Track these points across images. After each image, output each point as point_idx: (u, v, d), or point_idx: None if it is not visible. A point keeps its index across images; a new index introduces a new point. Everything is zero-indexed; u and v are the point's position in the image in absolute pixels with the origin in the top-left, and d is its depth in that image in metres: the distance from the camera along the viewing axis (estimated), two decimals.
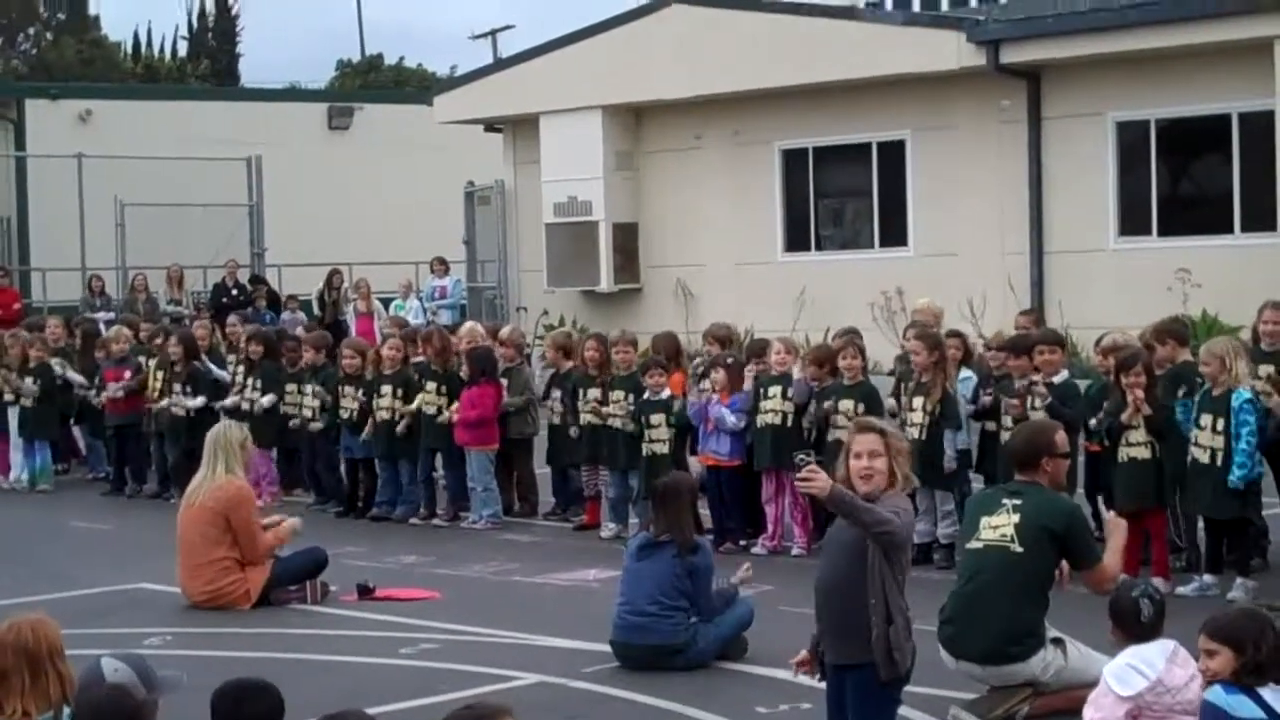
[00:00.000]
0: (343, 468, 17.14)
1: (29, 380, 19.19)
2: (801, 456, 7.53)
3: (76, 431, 20.44)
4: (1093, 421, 12.49)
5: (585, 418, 15.19)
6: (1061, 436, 9.18)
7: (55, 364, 19.43)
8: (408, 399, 16.26)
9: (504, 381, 16.09)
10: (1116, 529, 8.91)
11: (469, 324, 18.29)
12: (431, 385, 16.19)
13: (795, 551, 13.72)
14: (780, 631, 10.29)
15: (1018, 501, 8.76)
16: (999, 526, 8.74)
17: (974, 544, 8.86)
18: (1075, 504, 9.44)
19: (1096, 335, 13.53)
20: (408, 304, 27.93)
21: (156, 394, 18.20)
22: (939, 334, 14.04)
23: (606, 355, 15.37)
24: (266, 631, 11.60)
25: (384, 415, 16.32)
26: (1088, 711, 7.34)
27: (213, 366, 18.38)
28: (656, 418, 14.51)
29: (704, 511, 13.81)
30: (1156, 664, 7.27)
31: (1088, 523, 9.21)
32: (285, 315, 27.48)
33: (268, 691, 5.79)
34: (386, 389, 16.38)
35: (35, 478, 19.33)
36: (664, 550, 10.26)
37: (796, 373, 14.02)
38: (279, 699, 5.77)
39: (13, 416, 19.49)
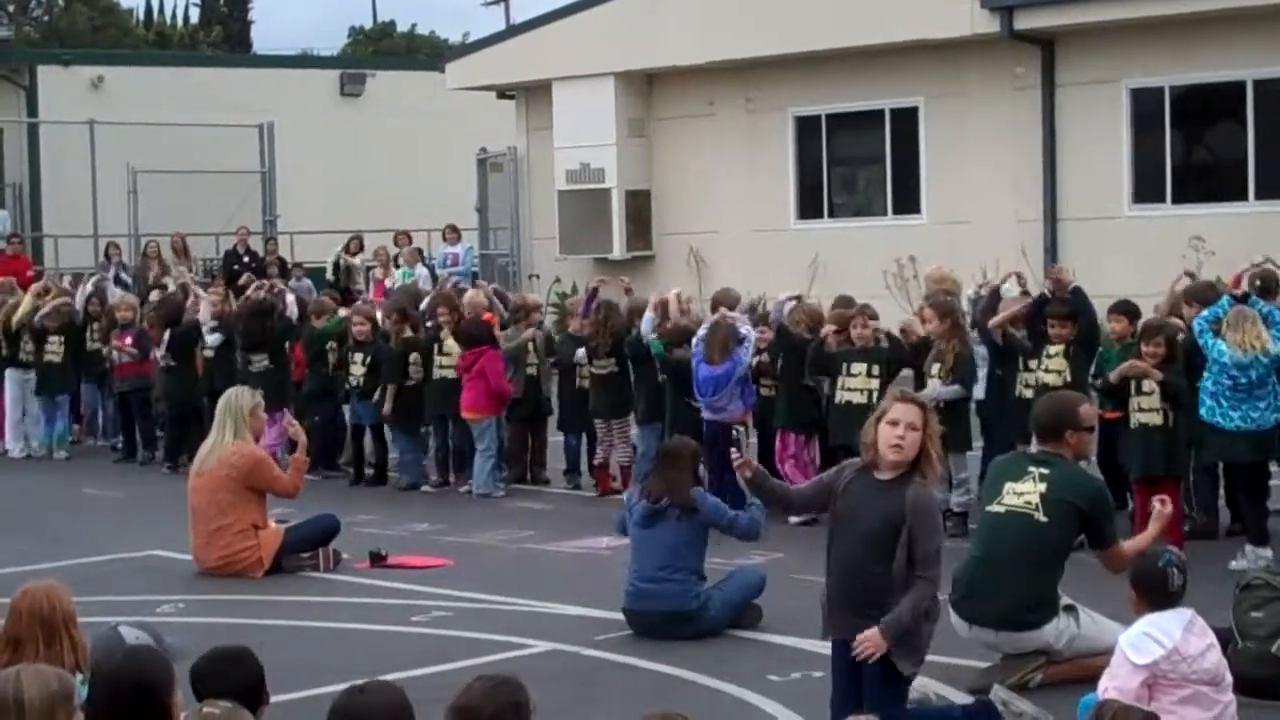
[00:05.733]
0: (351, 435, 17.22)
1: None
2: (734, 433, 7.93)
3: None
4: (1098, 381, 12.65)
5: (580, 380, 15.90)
6: (1086, 409, 9.13)
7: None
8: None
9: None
10: (1159, 520, 8.79)
11: (471, 292, 18.11)
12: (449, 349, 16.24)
13: (793, 520, 13.61)
14: (792, 600, 10.29)
15: (1045, 470, 8.74)
16: (1024, 493, 8.72)
17: (995, 507, 8.84)
18: (1102, 482, 9.43)
19: (1110, 303, 13.49)
20: (415, 271, 27.86)
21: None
22: (951, 301, 14.04)
23: (602, 319, 15.70)
24: (279, 599, 11.61)
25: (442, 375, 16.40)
26: (1104, 681, 7.33)
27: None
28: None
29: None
30: (1173, 633, 7.25)
31: (1111, 502, 9.19)
32: (292, 283, 27.36)
33: (245, 658, 5.77)
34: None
35: (54, 445, 19.42)
36: (668, 514, 10.25)
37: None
38: (257, 665, 5.75)
39: (10, 381, 19.61)
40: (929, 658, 8.19)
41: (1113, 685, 7.27)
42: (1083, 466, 9.12)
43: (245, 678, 5.67)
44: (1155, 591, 7.46)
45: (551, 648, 9.98)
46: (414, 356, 16.39)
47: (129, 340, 18.77)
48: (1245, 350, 11.56)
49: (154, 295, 19.89)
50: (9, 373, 19.72)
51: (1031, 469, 8.82)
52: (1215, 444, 11.94)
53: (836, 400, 13.63)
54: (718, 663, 9.51)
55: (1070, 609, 8.80)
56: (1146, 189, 23.42)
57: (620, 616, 10.36)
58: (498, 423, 16.01)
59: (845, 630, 7.85)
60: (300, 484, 12.94)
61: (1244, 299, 11.92)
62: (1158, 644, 7.22)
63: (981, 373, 13.61)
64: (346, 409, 17.21)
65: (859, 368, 13.56)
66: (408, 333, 16.57)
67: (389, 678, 7.55)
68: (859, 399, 13.22)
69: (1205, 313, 11.99)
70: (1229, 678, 7.42)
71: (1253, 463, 11.90)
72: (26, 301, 19.88)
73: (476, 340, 15.76)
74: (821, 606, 8.08)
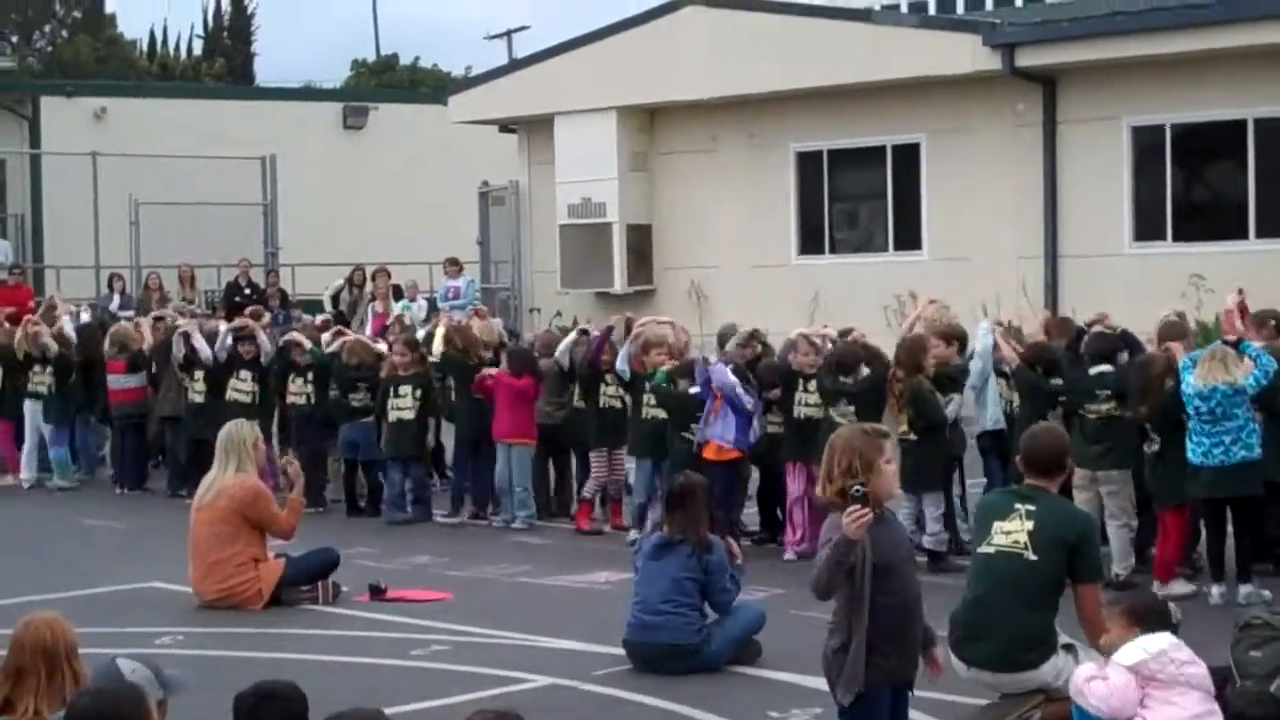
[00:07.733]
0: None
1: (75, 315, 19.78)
2: (857, 487, 7.07)
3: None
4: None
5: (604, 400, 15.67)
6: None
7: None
8: (426, 400, 16.38)
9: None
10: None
11: (482, 323, 18.17)
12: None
13: (788, 556, 13.78)
14: (793, 636, 10.29)
15: (1031, 507, 8.71)
16: (1011, 532, 8.69)
17: (985, 549, 8.83)
18: (1089, 515, 9.45)
19: None
20: (414, 305, 27.83)
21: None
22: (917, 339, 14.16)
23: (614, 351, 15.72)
24: (278, 632, 11.60)
25: (398, 415, 16.36)
26: (1092, 686, 7.54)
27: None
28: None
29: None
30: (1161, 644, 7.54)
31: (1098, 536, 9.21)
32: (295, 324, 27.35)
33: (290, 696, 5.70)
34: (405, 389, 16.41)
35: (62, 473, 19.43)
36: (679, 549, 10.31)
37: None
38: (302, 703, 5.69)
39: (29, 412, 19.59)
40: (930, 694, 8.20)
41: (1101, 675, 7.50)
42: (1072, 504, 9.17)
43: (285, 714, 5.61)
44: (1155, 621, 7.73)
45: (550, 682, 9.97)
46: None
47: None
48: (1205, 381, 11.68)
49: (145, 324, 19.97)
50: (26, 403, 19.76)
51: (1018, 506, 8.78)
52: (1185, 478, 12.01)
53: (798, 415, 13.99)
54: (717, 698, 9.50)
55: (1069, 648, 8.79)
56: (1147, 227, 23.46)
57: (619, 651, 10.36)
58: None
59: (906, 669, 7.50)
60: (296, 525, 12.90)
61: (1236, 344, 12.08)
62: (1144, 650, 7.51)
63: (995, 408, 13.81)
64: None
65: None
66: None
67: (388, 711, 7.54)
68: None
69: (1194, 353, 12.15)
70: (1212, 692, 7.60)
71: (1213, 499, 11.93)
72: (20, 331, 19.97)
73: (531, 368, 15.96)
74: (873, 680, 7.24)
